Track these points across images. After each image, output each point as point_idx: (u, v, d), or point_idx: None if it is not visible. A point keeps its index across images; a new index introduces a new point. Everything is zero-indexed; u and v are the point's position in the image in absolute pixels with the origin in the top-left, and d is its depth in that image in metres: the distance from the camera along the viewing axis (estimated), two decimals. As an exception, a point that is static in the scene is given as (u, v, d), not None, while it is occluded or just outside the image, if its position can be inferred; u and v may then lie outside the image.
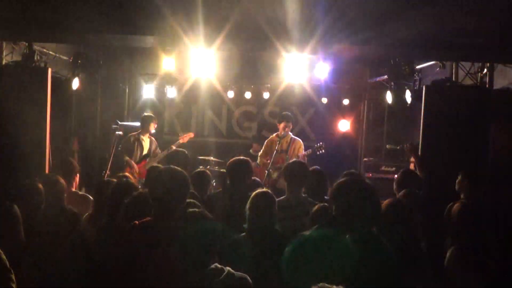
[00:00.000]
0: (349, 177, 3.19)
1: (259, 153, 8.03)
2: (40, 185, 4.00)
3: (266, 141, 8.00)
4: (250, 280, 2.63)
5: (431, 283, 3.24)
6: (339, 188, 2.90)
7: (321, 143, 7.91)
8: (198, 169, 5.68)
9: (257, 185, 5.07)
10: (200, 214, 2.81)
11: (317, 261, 2.75)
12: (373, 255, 2.72)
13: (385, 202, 3.38)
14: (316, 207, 3.82)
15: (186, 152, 5.20)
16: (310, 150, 7.76)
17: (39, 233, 3.54)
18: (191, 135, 8.92)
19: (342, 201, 2.84)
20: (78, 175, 5.26)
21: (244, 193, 4.59)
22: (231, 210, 4.33)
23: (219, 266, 2.57)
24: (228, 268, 2.58)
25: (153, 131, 8.42)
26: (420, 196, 4.55)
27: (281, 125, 7.71)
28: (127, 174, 5.47)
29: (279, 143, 7.63)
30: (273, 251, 3.42)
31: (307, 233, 3.16)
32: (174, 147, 8.13)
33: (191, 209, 2.83)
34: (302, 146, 7.74)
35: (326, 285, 1.99)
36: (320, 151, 7.87)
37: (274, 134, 7.88)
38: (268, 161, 7.52)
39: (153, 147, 8.36)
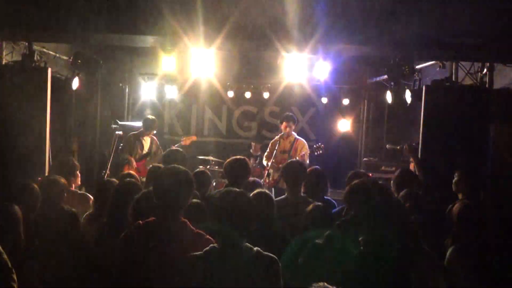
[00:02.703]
0: (363, 179, 3.17)
1: (265, 154, 8.04)
2: (36, 186, 3.99)
3: (271, 142, 8.01)
4: (279, 262, 2.71)
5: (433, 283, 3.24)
6: (352, 191, 2.90)
7: (320, 143, 7.91)
8: (198, 169, 5.67)
9: (257, 185, 5.08)
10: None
11: (329, 265, 2.77)
12: (383, 258, 2.72)
13: None
14: (310, 206, 3.80)
15: (182, 150, 5.21)
16: (308, 150, 7.77)
17: (36, 234, 3.53)
18: (194, 138, 8.94)
19: (359, 204, 2.84)
20: (78, 173, 5.27)
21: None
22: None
23: (249, 245, 2.66)
24: (257, 247, 2.67)
25: (154, 132, 8.47)
26: (420, 196, 4.55)
27: (282, 125, 7.75)
28: (131, 172, 5.48)
29: (279, 144, 7.66)
30: (272, 251, 3.43)
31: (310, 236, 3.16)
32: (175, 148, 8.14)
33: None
34: (306, 146, 7.76)
35: (327, 285, 1.99)
36: (318, 152, 7.87)
37: (278, 136, 7.90)
38: (272, 161, 7.54)
39: (154, 147, 8.37)
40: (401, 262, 2.78)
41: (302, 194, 4.62)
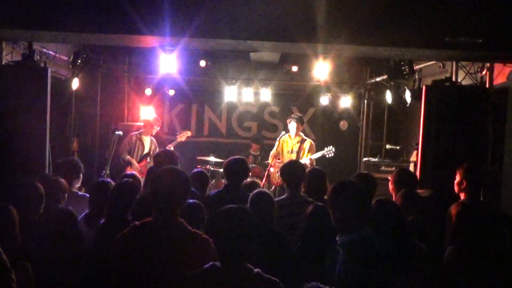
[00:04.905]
0: (342, 180, 3.18)
1: (270, 153, 7.97)
2: (41, 185, 3.98)
3: (278, 140, 7.87)
4: (281, 285, 2.56)
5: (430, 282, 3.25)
6: (333, 192, 2.93)
7: (331, 146, 7.85)
8: (197, 169, 5.69)
9: (256, 185, 5.10)
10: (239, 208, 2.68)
11: None
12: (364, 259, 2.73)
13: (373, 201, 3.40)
14: (310, 207, 3.81)
15: (173, 151, 5.22)
16: (320, 153, 7.74)
17: (37, 233, 3.53)
18: (189, 133, 8.93)
19: (337, 205, 2.86)
20: (81, 174, 5.27)
21: (241, 191, 4.63)
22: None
23: (249, 265, 2.53)
24: (257, 269, 2.53)
25: (154, 132, 8.49)
26: (419, 197, 4.55)
27: (295, 127, 7.67)
28: (134, 172, 5.46)
29: (286, 143, 7.68)
30: (271, 251, 3.43)
31: None
32: (172, 147, 8.17)
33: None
34: (314, 145, 7.76)
35: (320, 284, 2.00)
36: (330, 155, 7.82)
37: (287, 134, 7.84)
38: (280, 161, 7.52)
39: (153, 147, 8.41)
40: (383, 262, 2.79)
41: (302, 194, 4.63)
